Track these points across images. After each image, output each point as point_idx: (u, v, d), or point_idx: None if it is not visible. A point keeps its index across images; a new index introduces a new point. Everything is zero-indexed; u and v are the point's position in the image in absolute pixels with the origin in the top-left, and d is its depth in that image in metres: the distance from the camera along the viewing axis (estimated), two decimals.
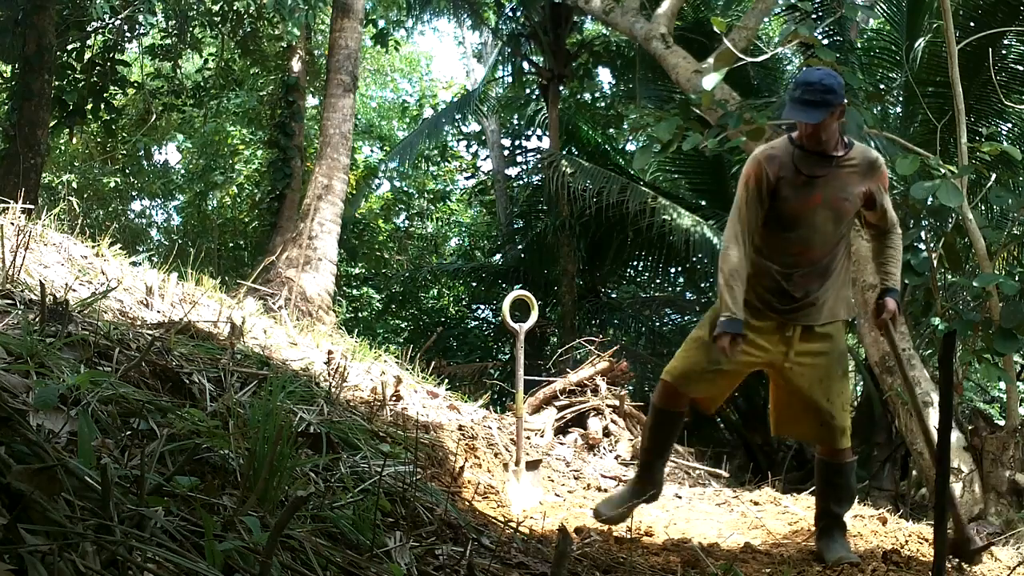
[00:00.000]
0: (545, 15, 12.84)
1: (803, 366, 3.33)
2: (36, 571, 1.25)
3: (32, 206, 5.06)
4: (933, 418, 5.85)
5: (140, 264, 5.55)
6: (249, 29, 12.08)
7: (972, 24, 8.07)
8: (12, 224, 4.08)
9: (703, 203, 12.27)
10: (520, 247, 14.61)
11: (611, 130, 15.71)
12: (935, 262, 6.00)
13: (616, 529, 3.64)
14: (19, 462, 1.47)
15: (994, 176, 6.68)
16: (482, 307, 16.19)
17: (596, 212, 11.00)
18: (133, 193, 17.50)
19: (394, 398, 4.89)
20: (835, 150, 3.26)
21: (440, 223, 20.04)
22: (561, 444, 6.20)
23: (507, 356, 13.56)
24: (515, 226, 15.46)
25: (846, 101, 3.24)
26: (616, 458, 6.10)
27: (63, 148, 15.51)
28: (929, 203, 6.13)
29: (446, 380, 6.97)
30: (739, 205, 3.30)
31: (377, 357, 6.26)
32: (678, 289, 14.19)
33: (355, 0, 10.14)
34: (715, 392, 3.47)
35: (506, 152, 17.16)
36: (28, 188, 7.85)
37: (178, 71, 12.05)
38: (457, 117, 15.55)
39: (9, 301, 3.07)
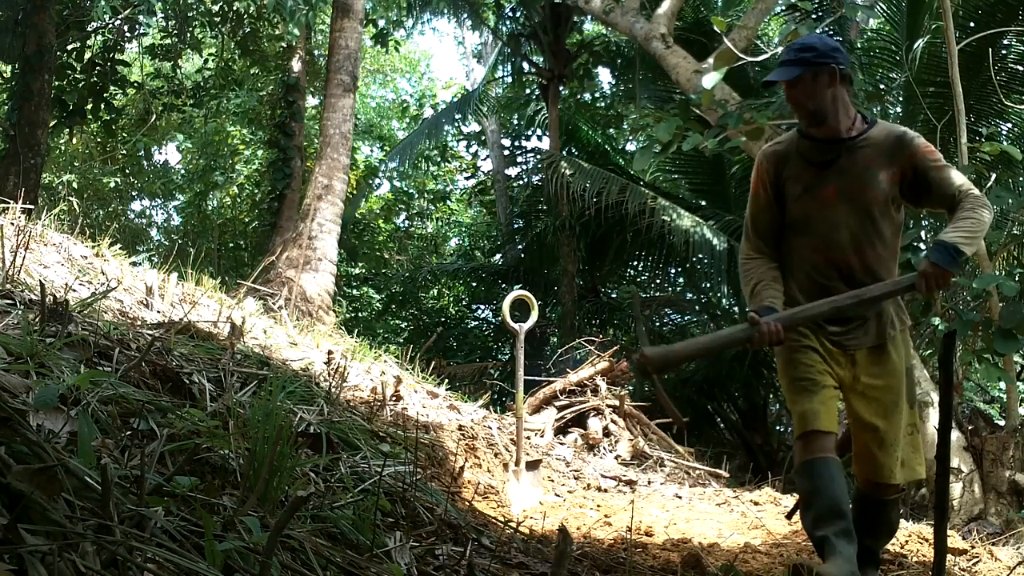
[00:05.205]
0: (545, 15, 12.84)
1: (873, 391, 2.77)
2: (36, 571, 1.25)
3: (32, 206, 5.07)
4: (933, 418, 5.85)
5: (140, 264, 5.56)
6: (249, 29, 12.09)
7: (972, 24, 8.07)
8: (12, 224, 4.08)
9: (703, 203, 12.27)
10: (520, 247, 14.61)
11: (611, 130, 15.71)
12: None
13: (616, 529, 3.64)
14: (19, 462, 1.46)
15: (994, 176, 6.67)
16: (482, 307, 16.19)
17: (596, 212, 10.99)
18: (133, 193, 17.49)
19: (394, 398, 4.89)
20: (845, 131, 2.75)
21: (440, 223, 20.03)
22: (561, 444, 6.20)
23: (507, 356, 13.55)
24: (515, 226, 15.46)
25: (844, 71, 2.74)
26: (616, 458, 6.10)
27: (63, 148, 15.50)
28: None
29: (446, 380, 6.97)
30: (749, 218, 2.90)
31: (377, 357, 6.27)
32: (678, 289, 14.19)
33: (355, 0, 10.14)
34: (831, 417, 2.72)
35: (506, 152, 17.16)
36: (28, 188, 7.85)
37: (178, 71, 12.06)
38: (457, 117, 15.54)
39: (9, 301, 3.06)
